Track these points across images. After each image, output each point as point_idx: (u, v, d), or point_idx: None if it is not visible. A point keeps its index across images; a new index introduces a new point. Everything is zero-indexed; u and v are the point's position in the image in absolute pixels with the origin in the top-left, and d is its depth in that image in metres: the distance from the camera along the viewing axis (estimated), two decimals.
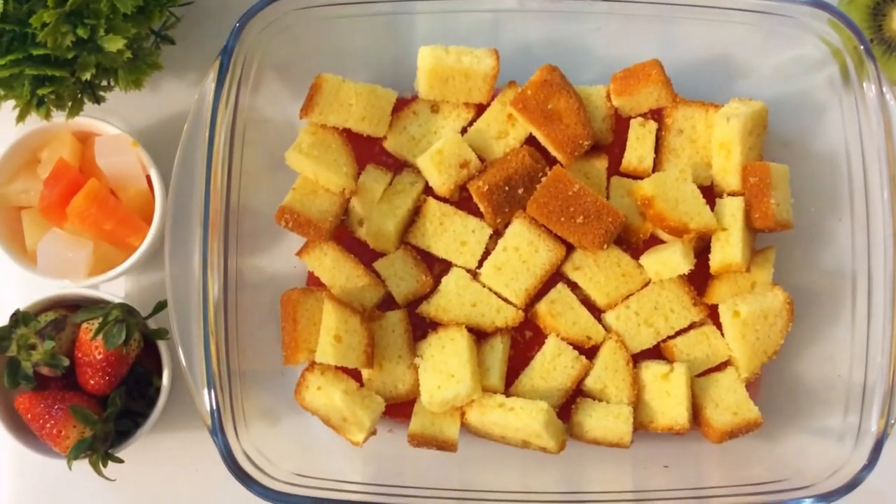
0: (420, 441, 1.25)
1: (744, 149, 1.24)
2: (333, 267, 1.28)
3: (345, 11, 1.26)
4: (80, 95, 1.24)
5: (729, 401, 1.23)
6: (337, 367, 1.24)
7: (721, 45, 1.33)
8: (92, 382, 1.22)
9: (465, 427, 1.26)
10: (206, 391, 1.14)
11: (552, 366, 1.25)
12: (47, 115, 1.20)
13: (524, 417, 1.19)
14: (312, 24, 1.27)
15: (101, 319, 1.19)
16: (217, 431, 1.14)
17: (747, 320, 1.22)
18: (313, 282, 1.31)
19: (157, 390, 1.27)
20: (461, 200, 1.30)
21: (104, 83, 1.25)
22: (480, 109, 1.30)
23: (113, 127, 1.30)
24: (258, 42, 1.23)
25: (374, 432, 1.24)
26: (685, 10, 1.27)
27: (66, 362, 1.20)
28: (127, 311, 1.21)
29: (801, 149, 1.32)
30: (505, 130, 1.29)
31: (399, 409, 1.27)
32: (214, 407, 1.14)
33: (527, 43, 1.33)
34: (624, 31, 1.32)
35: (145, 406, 1.28)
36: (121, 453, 1.25)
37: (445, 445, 1.25)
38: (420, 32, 1.31)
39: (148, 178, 1.30)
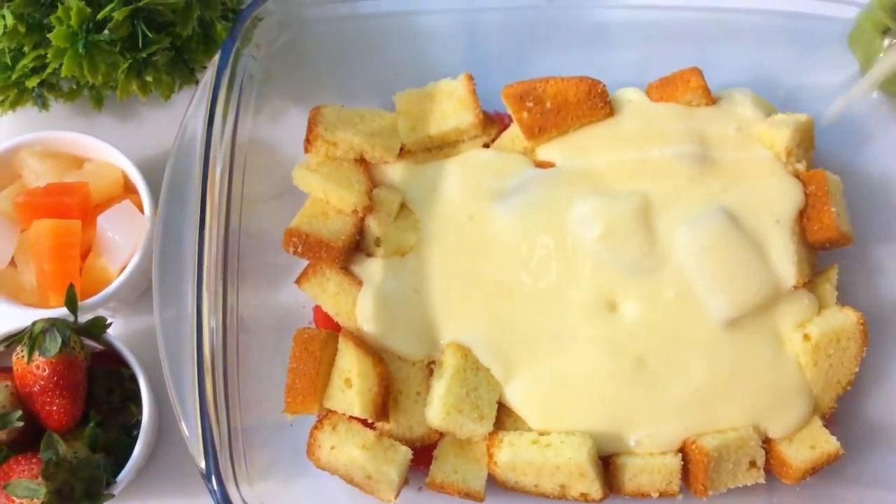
0: (440, 490, 1.06)
1: (795, 160, 1.14)
2: (338, 293, 1.15)
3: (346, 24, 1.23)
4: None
5: (803, 433, 1.07)
6: (350, 418, 1.08)
7: (758, 68, 1.27)
8: (55, 410, 1.05)
9: (493, 477, 1.07)
10: (202, 450, 0.98)
11: None
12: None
13: (566, 452, 1.01)
14: (315, 38, 1.22)
15: (27, 337, 1.06)
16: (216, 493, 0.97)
17: (819, 344, 1.07)
18: (320, 317, 1.17)
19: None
20: None
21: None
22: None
23: (111, 148, 1.21)
24: (257, 58, 1.16)
25: (406, 482, 1.07)
26: (721, 32, 1.24)
27: (18, 413, 1.06)
28: (50, 320, 1.07)
29: (848, 171, 1.22)
30: (531, 146, 1.20)
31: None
32: (213, 468, 0.97)
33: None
34: (659, 54, 1.27)
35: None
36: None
37: (470, 496, 1.05)
38: (431, 40, 1.27)
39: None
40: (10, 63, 1.17)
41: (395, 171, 1.20)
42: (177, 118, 1.12)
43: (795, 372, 1.08)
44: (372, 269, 1.16)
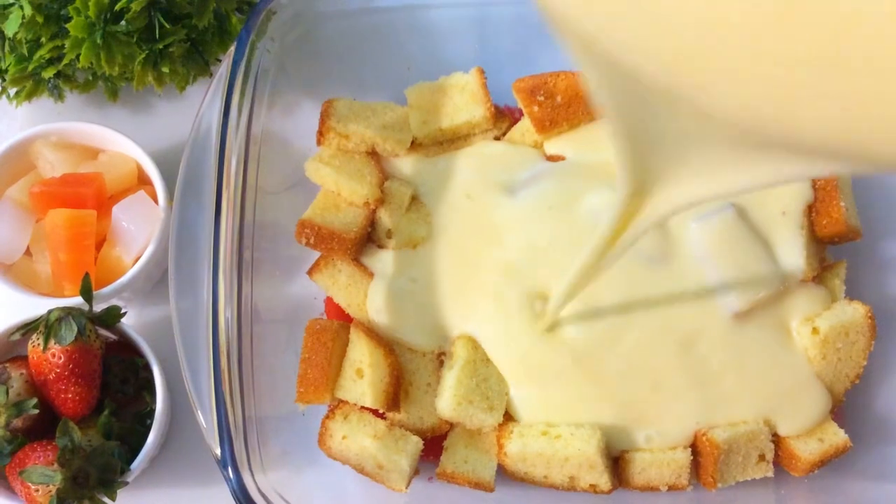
0: (451, 480, 1.07)
1: None
2: (349, 284, 1.16)
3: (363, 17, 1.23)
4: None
5: None
6: (361, 408, 1.09)
7: None
8: (70, 397, 1.05)
9: (502, 468, 1.08)
10: (217, 438, 0.98)
11: None
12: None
13: (575, 444, 1.02)
14: (328, 32, 1.22)
15: (42, 325, 1.07)
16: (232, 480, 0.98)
17: (828, 337, 1.07)
18: (332, 308, 1.18)
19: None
20: None
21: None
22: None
23: (126, 139, 1.22)
24: (271, 51, 1.16)
25: (416, 472, 1.08)
26: None
27: (34, 400, 1.07)
28: (66, 309, 1.08)
29: None
30: (541, 140, 1.21)
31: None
32: (229, 456, 0.98)
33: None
34: None
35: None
36: (123, 490, 1.08)
37: (480, 486, 1.06)
38: (443, 35, 1.27)
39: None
40: (27, 53, 1.19)
41: (406, 164, 1.21)
42: (188, 111, 1.13)
43: (805, 366, 1.08)
44: (383, 260, 1.17)
